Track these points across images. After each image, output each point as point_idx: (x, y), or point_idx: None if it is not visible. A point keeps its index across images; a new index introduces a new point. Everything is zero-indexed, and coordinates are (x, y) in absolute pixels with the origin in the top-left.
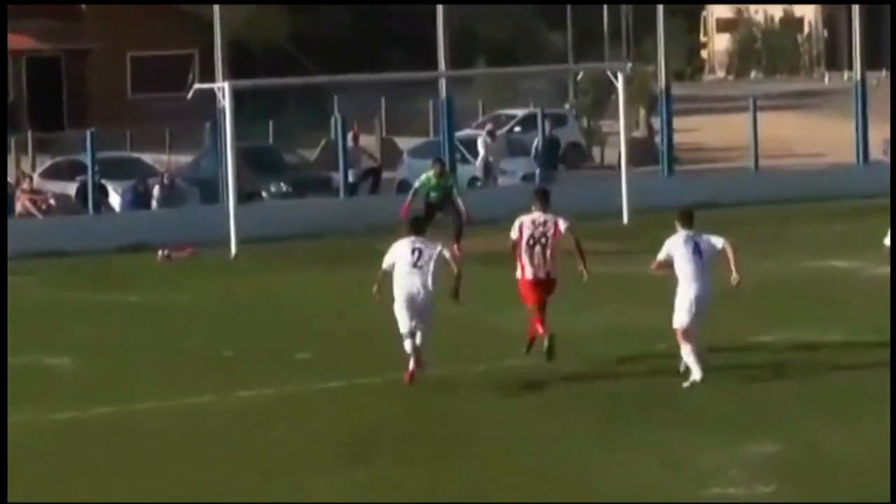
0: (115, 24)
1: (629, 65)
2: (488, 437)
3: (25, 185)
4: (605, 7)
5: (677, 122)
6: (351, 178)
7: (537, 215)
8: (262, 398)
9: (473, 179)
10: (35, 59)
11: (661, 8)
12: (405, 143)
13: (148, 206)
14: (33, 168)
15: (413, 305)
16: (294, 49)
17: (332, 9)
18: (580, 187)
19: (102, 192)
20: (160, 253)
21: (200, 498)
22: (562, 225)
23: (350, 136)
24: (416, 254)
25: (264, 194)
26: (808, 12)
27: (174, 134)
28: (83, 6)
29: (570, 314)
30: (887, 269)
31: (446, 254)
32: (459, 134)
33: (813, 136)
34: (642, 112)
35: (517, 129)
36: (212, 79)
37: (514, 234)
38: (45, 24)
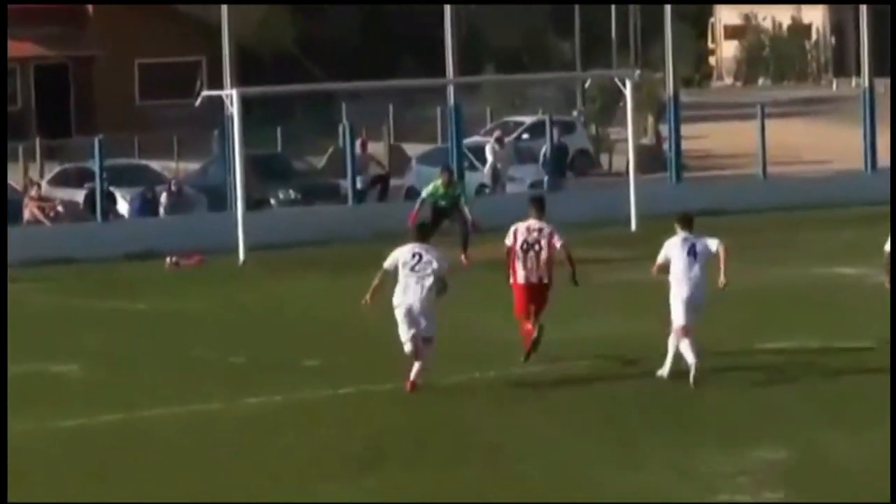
0: (122, 31)
1: (637, 72)
2: (496, 444)
3: (33, 193)
4: (614, 14)
5: (685, 129)
6: (359, 186)
7: (532, 222)
8: (270, 405)
9: (481, 186)
10: (42, 66)
11: (668, 14)
12: (413, 149)
13: (156, 213)
14: (41, 175)
15: (411, 311)
16: (302, 56)
17: (341, 16)
18: (588, 194)
19: (110, 200)
20: (168, 260)
21: None
22: (557, 241)
23: (358, 143)
24: (416, 258)
25: (272, 201)
26: (816, 19)
27: (182, 141)
28: (90, 13)
29: (578, 321)
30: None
31: (446, 269)
32: (467, 141)
33: (821, 143)
34: (650, 119)
35: (525, 136)
36: (220, 86)
37: (508, 241)
38: (52, 31)
